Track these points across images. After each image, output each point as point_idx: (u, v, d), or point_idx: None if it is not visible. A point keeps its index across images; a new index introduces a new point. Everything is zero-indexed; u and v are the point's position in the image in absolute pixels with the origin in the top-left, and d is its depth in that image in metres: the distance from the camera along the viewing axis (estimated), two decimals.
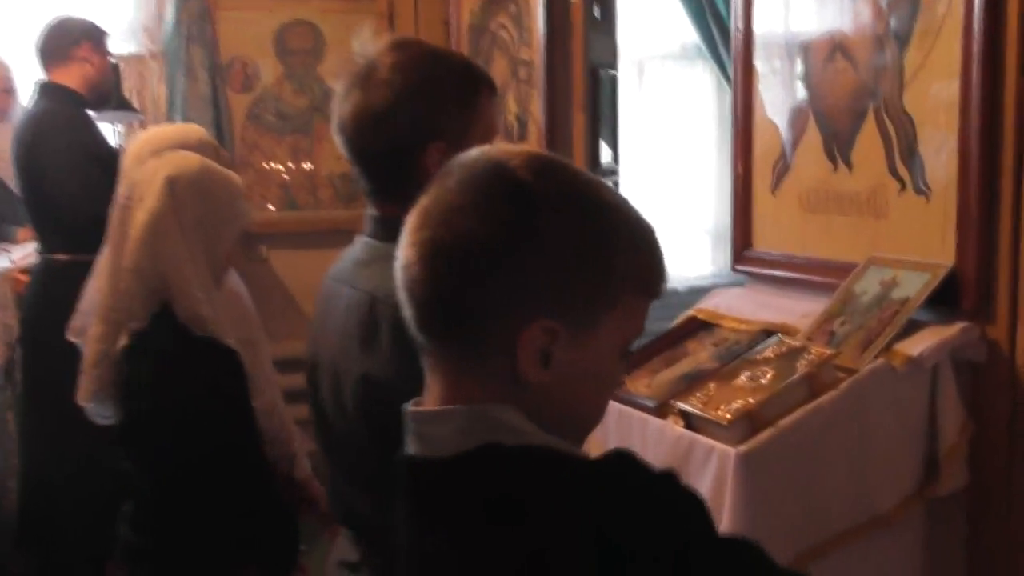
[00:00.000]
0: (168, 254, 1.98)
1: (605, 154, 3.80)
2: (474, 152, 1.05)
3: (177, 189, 2.00)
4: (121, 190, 2.08)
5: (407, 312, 1.04)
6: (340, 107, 1.55)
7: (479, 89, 1.59)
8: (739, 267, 2.78)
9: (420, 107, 1.51)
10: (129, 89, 4.37)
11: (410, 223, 1.03)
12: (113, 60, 3.86)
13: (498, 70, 3.94)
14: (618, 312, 1.03)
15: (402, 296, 1.04)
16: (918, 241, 2.20)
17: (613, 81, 3.78)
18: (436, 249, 0.99)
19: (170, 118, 4.39)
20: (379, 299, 1.46)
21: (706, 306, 2.67)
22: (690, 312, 2.66)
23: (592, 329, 1.01)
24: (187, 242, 1.99)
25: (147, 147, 2.11)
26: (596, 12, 3.65)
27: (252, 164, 4.62)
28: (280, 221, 4.62)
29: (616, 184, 3.90)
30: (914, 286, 2.14)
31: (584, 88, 3.62)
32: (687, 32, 5.45)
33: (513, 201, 0.99)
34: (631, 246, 1.03)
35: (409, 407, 1.06)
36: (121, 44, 4.25)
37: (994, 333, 2.06)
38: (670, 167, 5.81)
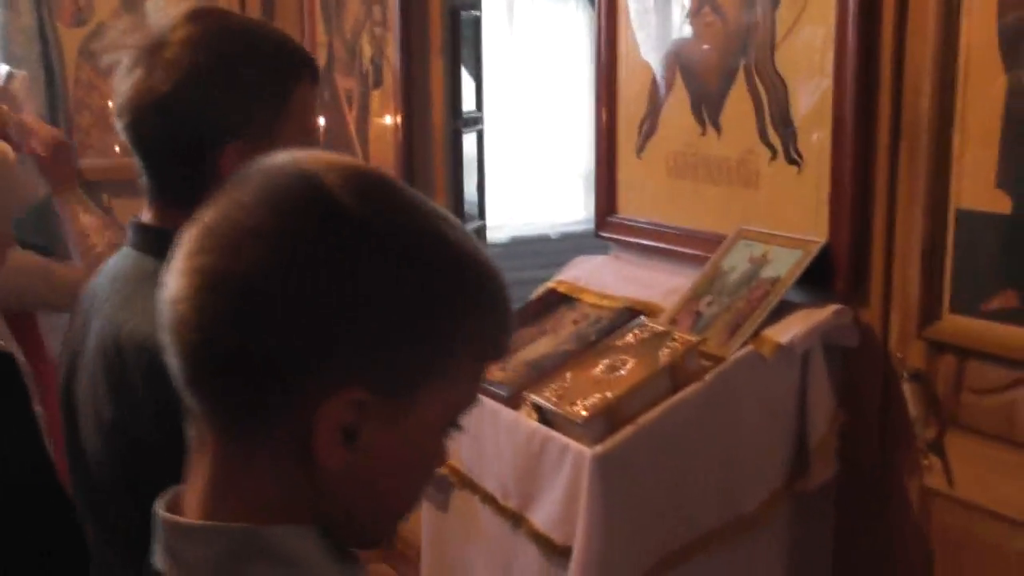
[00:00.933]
0: None
1: (468, 100, 3.56)
2: (280, 158, 0.80)
3: None
4: None
5: (171, 361, 0.79)
6: (120, 85, 1.23)
7: (296, 76, 1.27)
8: (603, 233, 2.59)
9: (213, 96, 1.21)
10: None
11: (185, 244, 0.78)
12: None
13: (351, 10, 3.64)
14: (448, 381, 0.79)
15: (166, 340, 0.79)
16: (790, 214, 2.04)
17: (476, 23, 3.52)
18: (216, 282, 0.75)
19: None
20: (126, 335, 1.18)
21: (568, 276, 2.48)
22: (550, 284, 2.47)
23: (411, 402, 0.78)
24: None
25: None
26: None
27: (89, 105, 4.21)
28: (123, 167, 4.20)
29: (480, 131, 3.67)
30: (785, 264, 1.98)
31: (443, 30, 3.36)
32: None
33: (327, 229, 0.75)
34: (478, 303, 0.80)
35: (160, 510, 0.82)
36: None
37: (867, 317, 1.92)
38: (542, 109, 5.59)
